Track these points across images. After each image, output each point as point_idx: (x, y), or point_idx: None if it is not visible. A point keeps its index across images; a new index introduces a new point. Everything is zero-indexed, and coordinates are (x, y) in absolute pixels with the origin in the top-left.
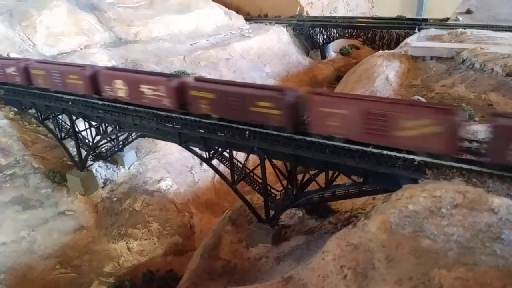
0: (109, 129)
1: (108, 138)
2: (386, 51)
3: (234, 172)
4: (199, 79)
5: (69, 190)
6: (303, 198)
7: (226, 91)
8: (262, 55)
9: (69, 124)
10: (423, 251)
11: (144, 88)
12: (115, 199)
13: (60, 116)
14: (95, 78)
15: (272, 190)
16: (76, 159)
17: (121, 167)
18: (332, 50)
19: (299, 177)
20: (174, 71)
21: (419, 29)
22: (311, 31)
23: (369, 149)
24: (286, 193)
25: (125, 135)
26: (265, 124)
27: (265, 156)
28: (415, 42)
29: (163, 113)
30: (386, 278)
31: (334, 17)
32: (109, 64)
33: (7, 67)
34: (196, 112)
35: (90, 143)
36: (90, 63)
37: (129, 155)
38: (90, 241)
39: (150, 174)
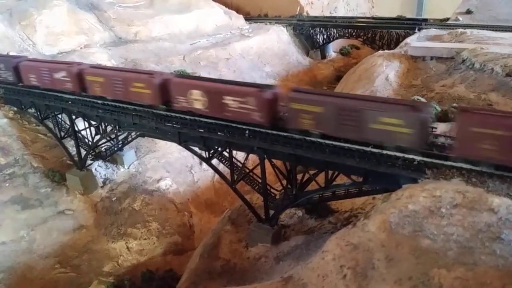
0: (109, 128)
1: (108, 138)
2: (386, 51)
3: (234, 171)
4: (298, 89)
5: (68, 189)
6: (302, 197)
7: (338, 104)
8: (262, 55)
9: (68, 123)
10: (423, 251)
11: (229, 100)
12: (115, 198)
13: (59, 116)
14: (165, 87)
15: (272, 190)
16: (76, 158)
17: (120, 166)
18: (332, 50)
19: (299, 176)
20: (174, 71)
21: (419, 29)
22: (311, 31)
23: (369, 148)
24: (285, 193)
25: (125, 134)
26: (387, 144)
27: (265, 156)
28: (415, 42)
29: (163, 113)
30: (385, 278)
31: (334, 17)
32: (109, 64)
33: (56, 72)
34: (294, 128)
35: (90, 143)
36: (89, 62)
37: (128, 154)
38: (89, 241)
39: (149, 173)
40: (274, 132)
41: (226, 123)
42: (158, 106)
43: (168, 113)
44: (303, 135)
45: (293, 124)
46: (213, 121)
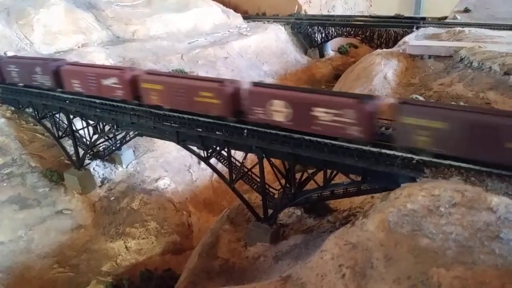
0: (107, 128)
1: (106, 137)
2: (384, 49)
3: (232, 171)
4: (408, 101)
5: (66, 189)
6: (301, 197)
7: (470, 119)
8: (260, 53)
9: (66, 123)
10: (422, 250)
11: (320, 112)
12: (113, 198)
13: (57, 115)
14: (239, 97)
15: (271, 189)
16: (74, 158)
17: (119, 166)
18: (330, 48)
19: (298, 176)
20: (172, 70)
21: (417, 28)
22: (309, 29)
23: (368, 147)
24: (284, 192)
25: (123, 134)
26: None
27: (264, 155)
28: (413, 40)
29: (161, 112)
30: (384, 277)
31: (332, 16)
32: (107, 63)
33: (105, 78)
34: (405, 146)
35: (88, 142)
36: (87, 61)
37: (126, 154)
38: (87, 240)
39: (148, 173)
40: (273, 131)
41: (224, 123)
42: (227, 118)
43: (166, 113)
44: (408, 152)
45: (403, 141)
46: (211, 120)
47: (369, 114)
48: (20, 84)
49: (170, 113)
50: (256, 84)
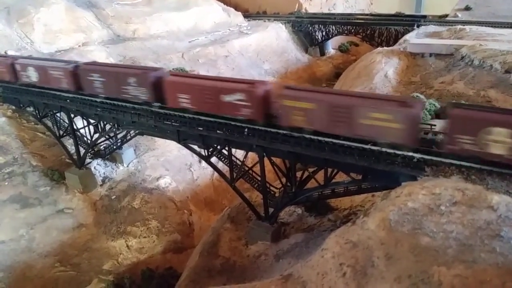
0: (108, 127)
1: (107, 136)
2: (385, 48)
3: (233, 169)
4: None
5: (67, 188)
6: (302, 195)
7: None
8: (261, 52)
9: (67, 122)
10: (422, 249)
11: None
12: (114, 197)
13: (58, 114)
14: (417, 120)
15: (271, 188)
16: (75, 157)
17: (119, 165)
18: (331, 47)
19: (298, 174)
20: (173, 69)
21: (418, 26)
22: (310, 28)
23: (368, 146)
24: (285, 191)
25: (124, 132)
26: None
27: (264, 154)
28: (414, 39)
29: (161, 111)
30: (385, 276)
31: (333, 14)
32: (107, 61)
33: (226, 93)
34: None
35: (89, 141)
36: (87, 60)
37: (127, 153)
38: (89, 239)
39: (149, 171)
40: (273, 130)
41: (225, 121)
42: (407, 147)
43: (166, 111)
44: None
45: None
46: (211, 119)
47: None
48: (102, 96)
49: (171, 112)
50: (461, 105)
